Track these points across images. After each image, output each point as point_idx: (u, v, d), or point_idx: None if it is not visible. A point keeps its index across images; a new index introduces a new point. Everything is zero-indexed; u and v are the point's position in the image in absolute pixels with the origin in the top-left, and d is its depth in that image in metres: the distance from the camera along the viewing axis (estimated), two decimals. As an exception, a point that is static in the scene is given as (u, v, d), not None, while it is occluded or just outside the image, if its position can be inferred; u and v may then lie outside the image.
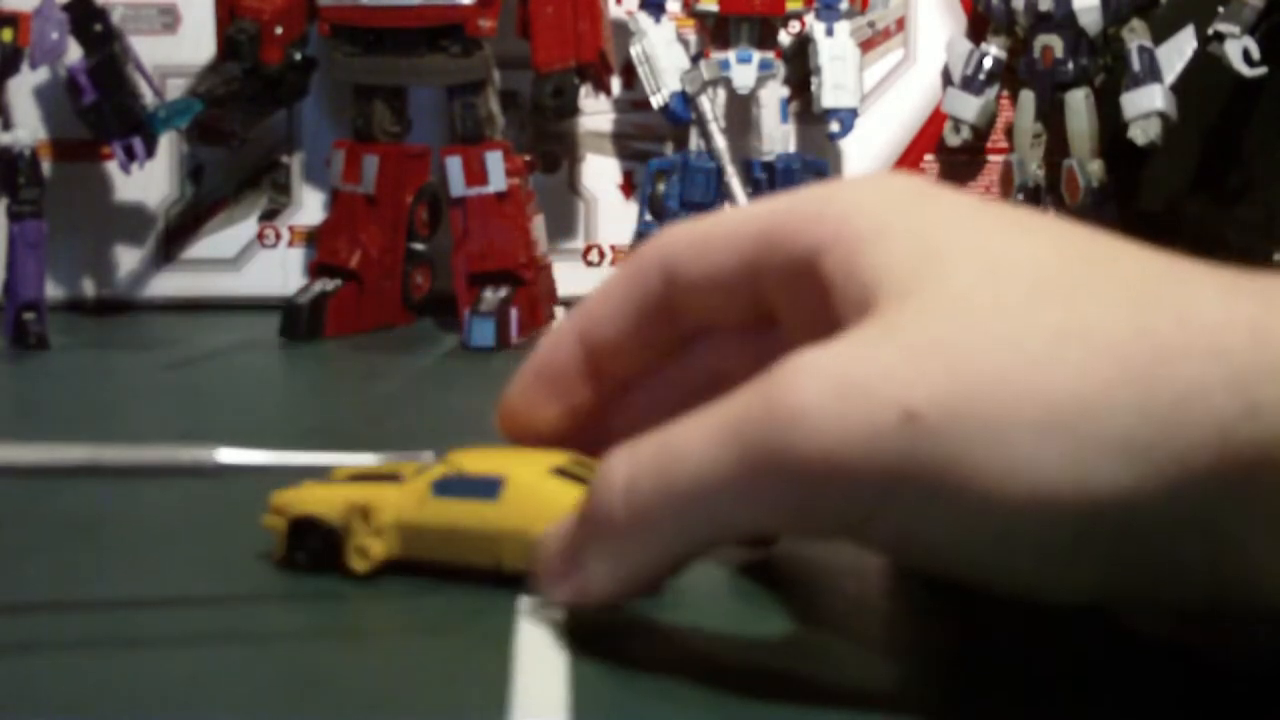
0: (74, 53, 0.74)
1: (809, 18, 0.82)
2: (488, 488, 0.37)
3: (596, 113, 0.86)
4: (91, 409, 0.61)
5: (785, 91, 0.82)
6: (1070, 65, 0.83)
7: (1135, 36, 0.82)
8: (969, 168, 0.90)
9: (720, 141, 0.79)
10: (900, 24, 0.89)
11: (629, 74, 0.83)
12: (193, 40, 0.83)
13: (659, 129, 0.86)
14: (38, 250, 0.73)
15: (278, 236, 0.86)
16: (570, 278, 0.84)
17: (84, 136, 0.77)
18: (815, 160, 0.82)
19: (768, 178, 0.80)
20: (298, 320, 0.75)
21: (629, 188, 0.87)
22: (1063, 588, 0.30)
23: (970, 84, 0.87)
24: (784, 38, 0.83)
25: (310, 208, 0.86)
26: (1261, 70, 0.78)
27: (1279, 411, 0.27)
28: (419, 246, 0.80)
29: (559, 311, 0.81)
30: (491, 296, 0.74)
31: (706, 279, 0.35)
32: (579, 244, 0.87)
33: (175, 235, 0.85)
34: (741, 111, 0.82)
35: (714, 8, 0.80)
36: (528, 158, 0.82)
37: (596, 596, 0.33)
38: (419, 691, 0.31)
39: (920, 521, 0.29)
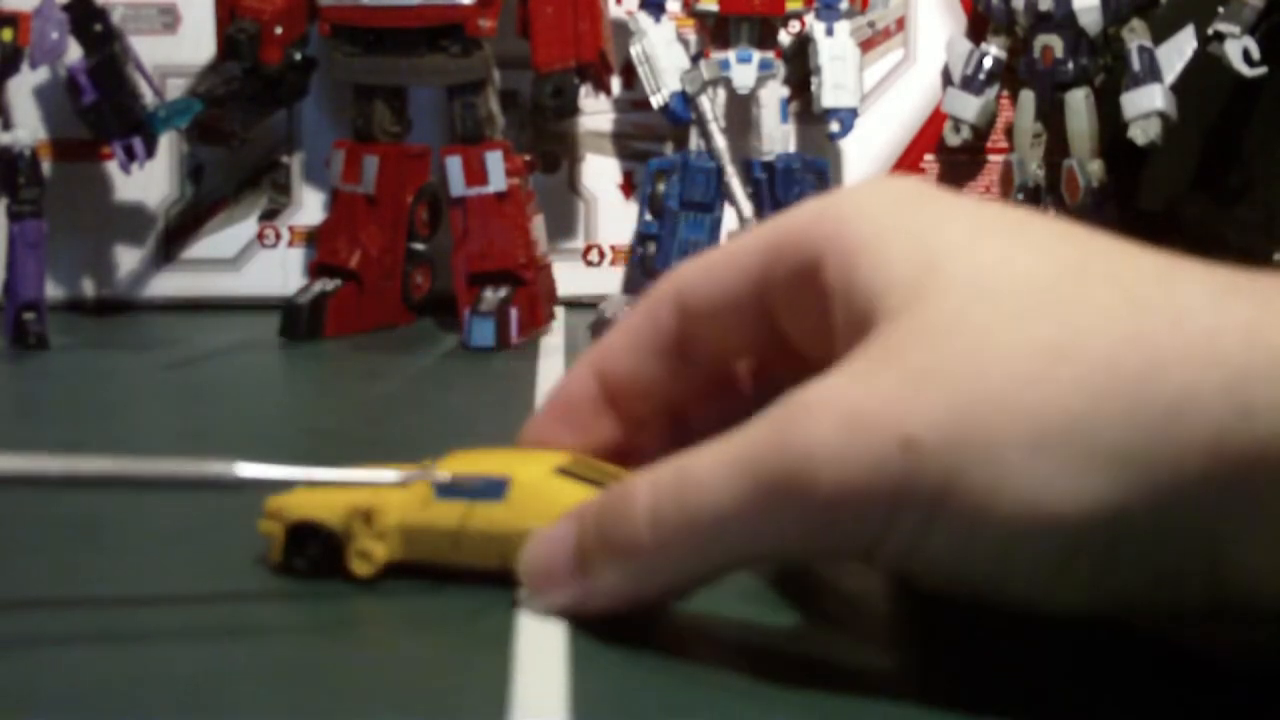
0: (74, 53, 0.74)
1: (809, 18, 0.82)
2: (494, 488, 0.37)
3: (596, 113, 0.86)
4: (91, 409, 0.61)
5: (785, 91, 0.82)
6: (1070, 65, 0.83)
7: (1135, 36, 0.82)
8: (969, 168, 0.90)
9: (720, 141, 0.79)
10: (900, 24, 0.89)
11: (629, 74, 0.83)
12: (193, 40, 0.83)
13: (659, 129, 0.86)
14: (38, 250, 0.73)
15: (278, 236, 0.86)
16: (570, 278, 0.84)
17: (84, 136, 0.77)
18: (815, 160, 0.82)
19: (768, 178, 0.80)
20: (298, 320, 0.75)
21: (629, 188, 0.87)
22: (1061, 598, 0.30)
23: (970, 84, 0.87)
24: (784, 38, 0.83)
25: (310, 208, 0.85)
26: (1261, 70, 0.78)
27: (1273, 412, 0.27)
28: (419, 246, 0.80)
29: (559, 311, 0.81)
30: (491, 296, 0.74)
31: (716, 303, 0.36)
32: (579, 244, 0.87)
33: (175, 235, 0.85)
34: (741, 111, 0.82)
35: (714, 8, 0.79)
36: (528, 158, 0.82)
37: (599, 608, 0.34)
38: (419, 691, 0.31)
39: (924, 542, 0.30)
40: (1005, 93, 0.88)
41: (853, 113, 0.82)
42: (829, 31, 0.82)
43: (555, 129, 0.86)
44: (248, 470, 0.35)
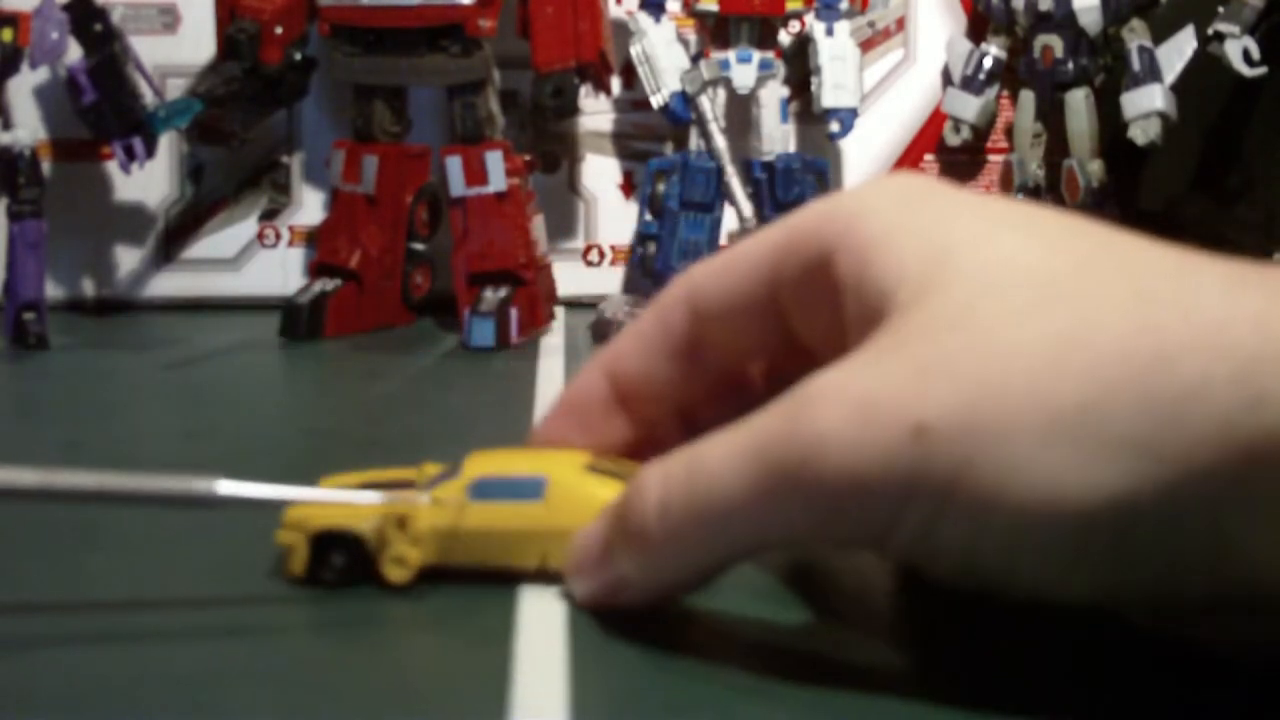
0: (74, 53, 0.74)
1: (809, 18, 0.82)
2: (531, 488, 0.36)
3: (596, 113, 0.86)
4: (91, 409, 0.61)
5: (785, 91, 0.82)
6: (1070, 65, 0.83)
7: (1135, 36, 0.82)
8: (969, 168, 0.90)
9: (720, 141, 0.79)
10: (900, 24, 0.89)
11: (629, 74, 0.83)
12: (193, 40, 0.83)
13: (659, 129, 0.86)
14: (38, 250, 0.73)
15: (278, 236, 0.86)
16: (570, 278, 0.84)
17: (84, 136, 0.77)
18: (815, 160, 0.82)
19: (768, 178, 0.80)
20: (298, 320, 0.75)
21: (629, 188, 0.87)
22: (1070, 586, 0.30)
23: (970, 84, 0.87)
24: (784, 38, 0.83)
25: (310, 208, 0.85)
26: (1261, 70, 0.78)
27: None
28: (419, 246, 0.80)
29: (559, 311, 0.81)
30: (491, 296, 0.74)
31: (728, 304, 0.36)
32: (579, 244, 0.87)
33: (175, 235, 0.85)
34: (741, 111, 0.82)
35: (714, 8, 0.79)
36: (528, 158, 0.82)
37: (627, 601, 0.34)
38: (419, 691, 0.31)
39: (935, 530, 0.30)
40: (1005, 93, 0.88)
41: (853, 113, 0.82)
42: (829, 31, 0.81)
43: (555, 129, 0.86)
44: (228, 489, 0.35)
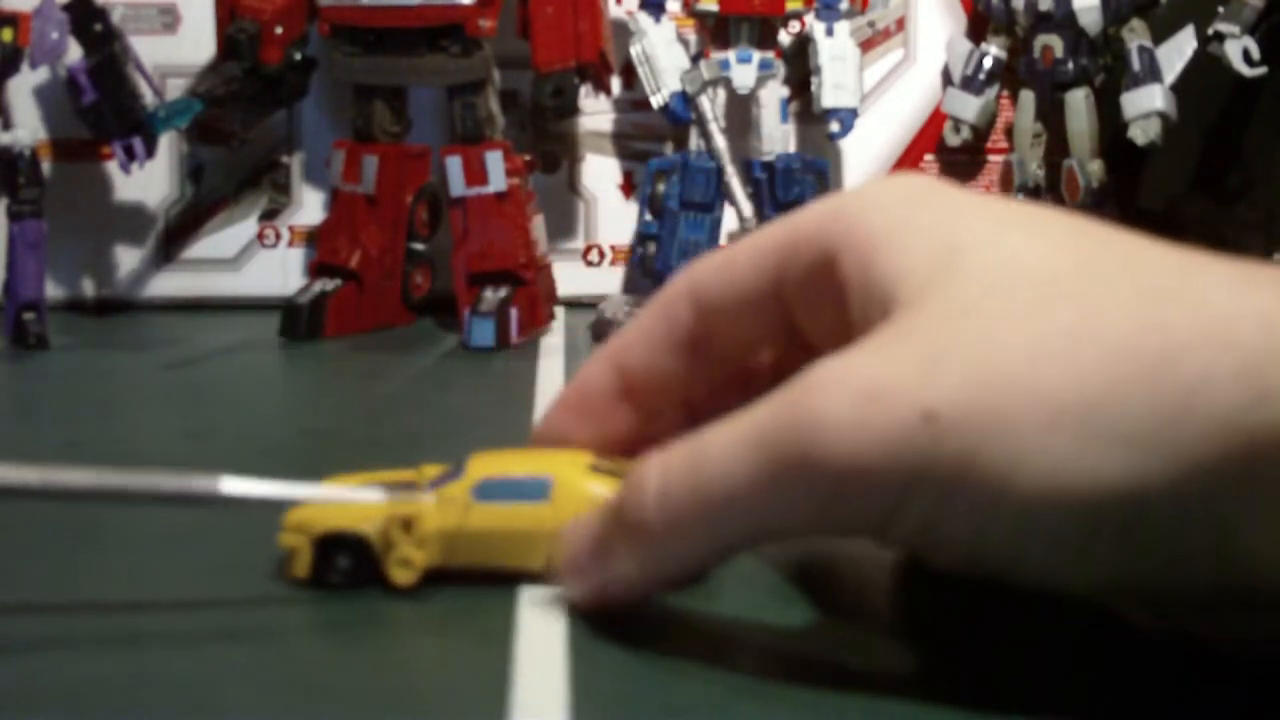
0: (74, 53, 0.74)
1: (809, 18, 0.82)
2: (536, 488, 0.36)
3: (596, 113, 0.86)
4: (91, 409, 0.61)
5: (785, 91, 0.82)
6: (1070, 65, 0.83)
7: (1135, 36, 0.82)
8: (969, 168, 0.90)
9: (720, 141, 0.79)
10: (900, 24, 0.89)
11: (629, 74, 0.83)
12: (193, 40, 0.83)
13: (659, 129, 0.86)
14: (38, 250, 0.73)
15: (278, 236, 0.86)
16: (570, 278, 0.84)
17: (84, 136, 0.77)
18: (815, 160, 0.82)
19: (768, 178, 0.80)
20: (298, 320, 0.75)
21: (629, 188, 0.87)
22: (1075, 577, 0.31)
23: (970, 84, 0.87)
24: (784, 38, 0.83)
25: (310, 208, 0.85)
26: (1261, 70, 0.78)
27: None
28: (419, 246, 0.80)
29: (559, 311, 0.81)
30: (491, 296, 0.74)
31: (733, 299, 0.37)
32: (579, 244, 0.87)
33: (175, 235, 0.85)
34: (741, 111, 0.82)
35: (714, 8, 0.79)
36: (528, 158, 0.82)
37: (621, 596, 0.34)
38: (419, 691, 0.31)
39: (940, 518, 0.30)
40: (1005, 93, 0.88)
41: (853, 113, 0.82)
42: (829, 31, 0.81)
43: (555, 129, 0.86)
44: (232, 487, 0.35)
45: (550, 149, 0.87)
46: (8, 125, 0.74)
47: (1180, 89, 0.81)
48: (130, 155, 0.74)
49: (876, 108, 0.89)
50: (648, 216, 0.81)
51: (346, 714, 0.30)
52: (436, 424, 0.58)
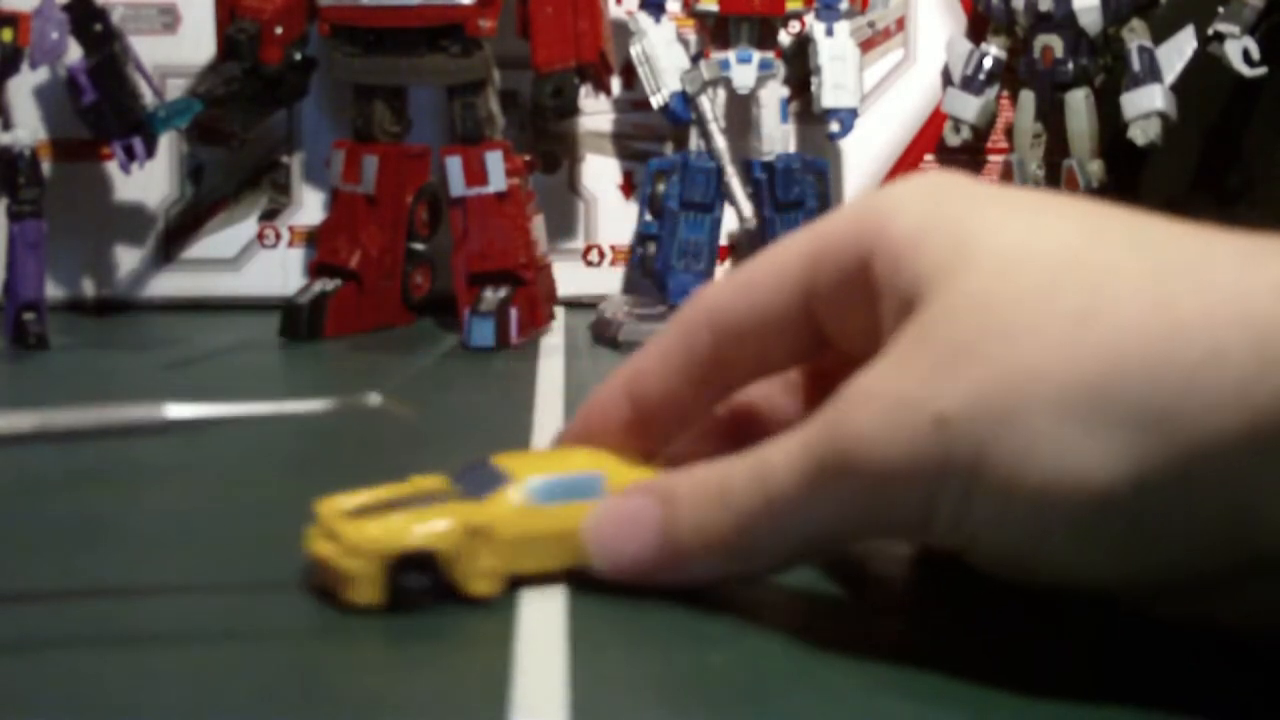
0: (74, 53, 0.74)
1: (809, 18, 0.82)
2: (591, 486, 0.37)
3: (596, 113, 0.86)
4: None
5: (785, 91, 0.82)
6: (1070, 65, 0.83)
7: (1135, 36, 0.82)
8: (969, 168, 0.90)
9: (720, 141, 0.79)
10: (900, 24, 0.89)
11: (629, 74, 0.83)
12: (193, 40, 0.83)
13: (659, 129, 0.86)
14: (38, 250, 0.73)
15: (278, 236, 0.86)
16: (570, 278, 0.84)
17: (84, 136, 0.77)
18: (815, 160, 0.82)
19: (768, 178, 0.80)
20: (298, 320, 0.75)
21: (629, 188, 0.87)
22: (1095, 568, 0.31)
23: (970, 84, 0.87)
24: (784, 38, 0.83)
25: (310, 208, 0.85)
26: (1261, 70, 0.78)
27: None
28: (419, 246, 0.80)
29: (559, 311, 0.81)
30: (491, 296, 0.74)
31: (756, 321, 0.37)
32: (579, 244, 0.87)
33: (175, 235, 0.85)
34: (741, 111, 0.82)
35: (714, 8, 0.79)
36: (528, 158, 0.82)
37: (684, 583, 0.36)
38: (419, 691, 0.31)
39: (966, 515, 0.31)
40: (1005, 93, 0.88)
41: (853, 113, 0.82)
42: (829, 31, 0.81)
43: (555, 129, 0.86)
44: (177, 411, 0.34)
45: (550, 149, 0.87)
46: (8, 125, 0.74)
47: (1180, 89, 0.81)
48: (130, 155, 0.74)
49: (876, 108, 0.89)
50: (648, 216, 0.81)
51: (346, 714, 0.30)
52: (437, 424, 0.58)
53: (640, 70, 0.80)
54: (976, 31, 0.88)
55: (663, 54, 0.79)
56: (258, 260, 0.86)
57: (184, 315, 0.82)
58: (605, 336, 0.75)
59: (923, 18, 0.89)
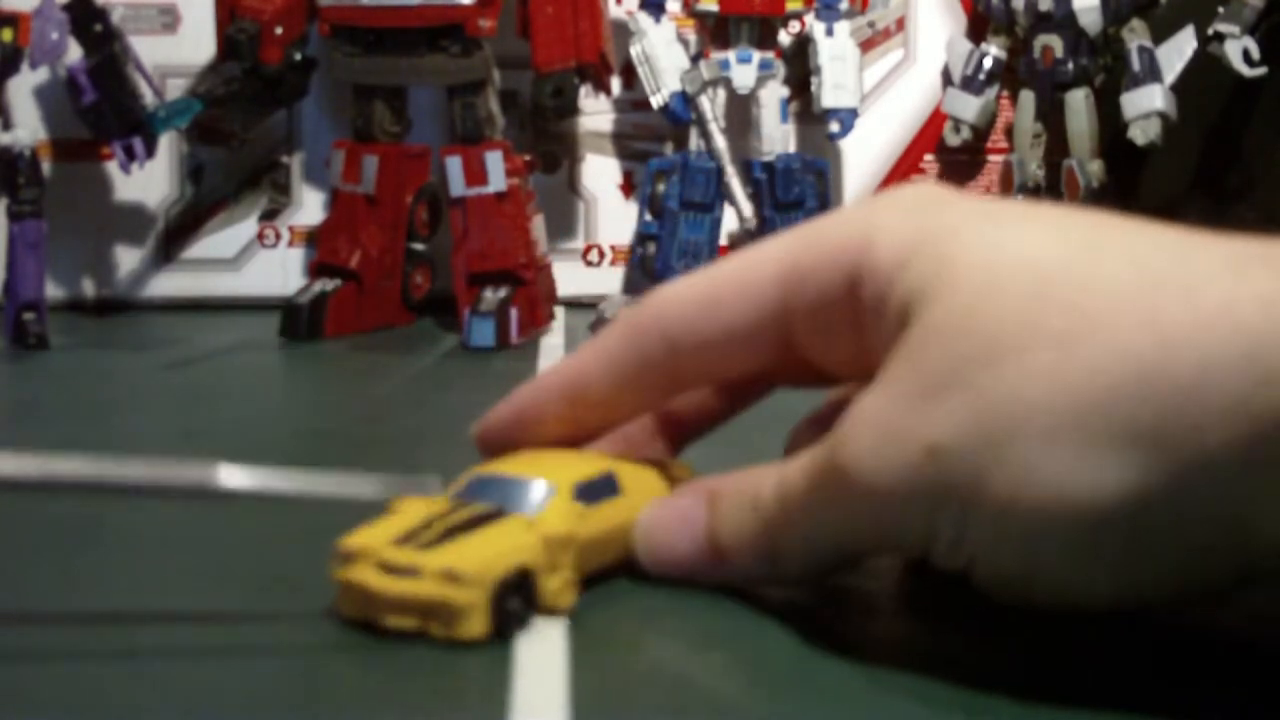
0: (74, 53, 0.74)
1: (809, 18, 0.82)
2: (610, 485, 0.37)
3: (596, 113, 0.86)
4: (91, 409, 0.61)
5: (785, 91, 0.82)
6: (1070, 65, 0.83)
7: (1135, 36, 0.82)
8: (969, 168, 0.90)
9: (720, 141, 0.79)
10: (900, 24, 0.89)
11: (629, 74, 0.83)
12: (193, 40, 0.83)
13: (659, 129, 0.86)
14: (38, 250, 0.73)
15: (278, 236, 0.86)
16: (570, 278, 0.84)
17: (84, 136, 0.77)
18: (815, 160, 0.82)
19: (768, 178, 0.80)
20: (298, 320, 0.75)
21: (629, 188, 0.87)
22: (1095, 587, 0.31)
23: (970, 84, 0.87)
24: (784, 38, 0.83)
25: (310, 208, 0.85)
26: (1261, 70, 0.78)
27: None
28: (419, 246, 0.80)
29: (559, 311, 0.81)
30: (491, 296, 0.74)
31: (720, 338, 0.36)
32: (579, 244, 0.87)
33: (175, 235, 0.85)
34: (741, 111, 0.82)
35: (714, 8, 0.79)
36: (528, 158, 0.82)
37: (728, 583, 0.36)
38: (419, 691, 0.31)
39: (964, 538, 0.31)
40: (1005, 93, 0.88)
41: (853, 113, 0.82)
42: (829, 31, 0.82)
43: (555, 129, 0.86)
44: (230, 478, 0.34)
45: (550, 149, 0.87)
46: (8, 125, 0.74)
47: (1180, 89, 0.81)
48: (130, 155, 0.74)
49: (876, 108, 0.89)
50: (648, 216, 0.81)
51: (346, 714, 0.30)
52: (436, 424, 0.58)
53: (640, 70, 0.80)
54: (976, 31, 0.88)
55: (663, 54, 0.80)
56: (258, 260, 0.86)
57: (184, 315, 0.82)
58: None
59: (923, 18, 0.89)
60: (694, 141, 0.80)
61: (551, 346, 0.74)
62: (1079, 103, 0.83)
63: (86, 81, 0.73)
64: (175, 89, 0.82)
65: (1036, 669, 0.32)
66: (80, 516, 0.42)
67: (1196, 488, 0.29)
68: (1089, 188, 0.83)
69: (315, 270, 0.79)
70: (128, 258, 0.84)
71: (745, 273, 0.36)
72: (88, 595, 0.37)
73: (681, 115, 0.80)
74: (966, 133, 0.88)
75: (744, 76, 0.80)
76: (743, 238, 0.80)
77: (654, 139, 0.87)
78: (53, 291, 0.79)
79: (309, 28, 0.78)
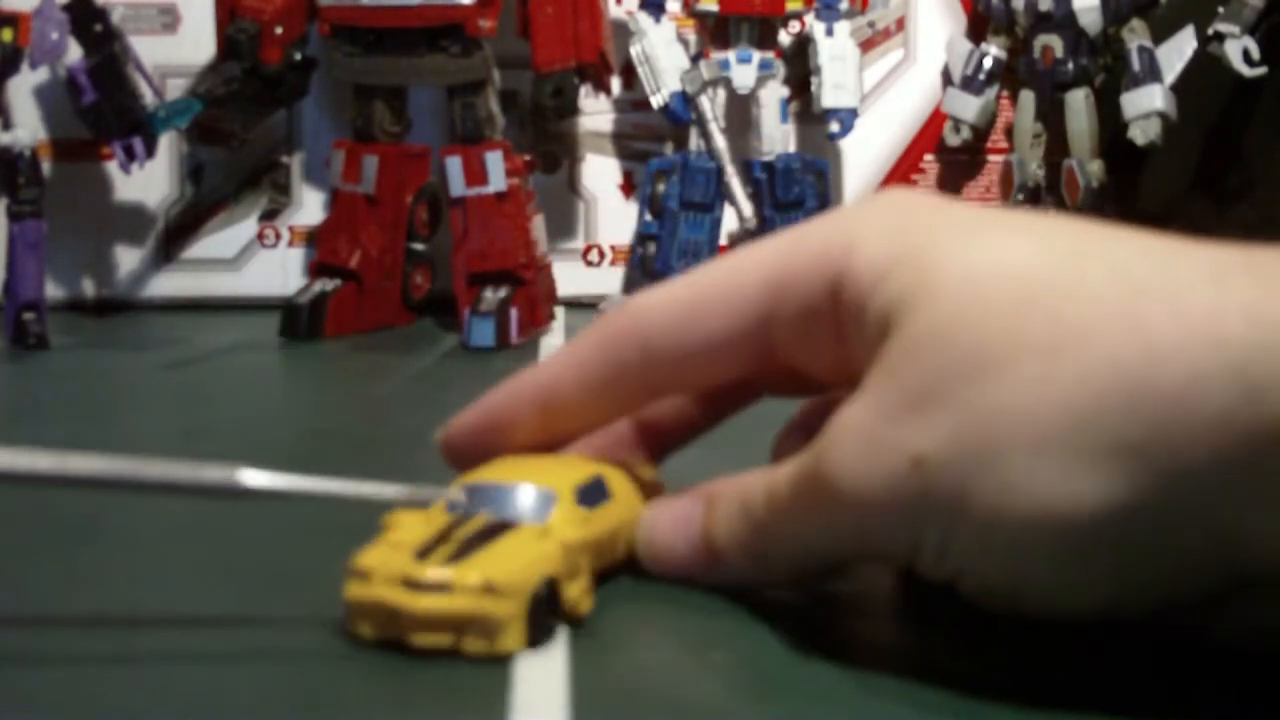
0: (74, 53, 0.74)
1: (809, 18, 0.82)
2: (602, 489, 0.37)
3: (596, 113, 0.86)
4: (91, 409, 0.61)
5: (785, 91, 0.82)
6: (1070, 65, 0.83)
7: (1135, 36, 0.82)
8: (969, 168, 0.90)
9: (720, 141, 0.79)
10: (900, 24, 0.89)
11: (629, 74, 0.83)
12: (193, 40, 0.83)
13: (659, 129, 0.86)
14: (38, 250, 0.73)
15: (278, 236, 0.86)
16: (570, 278, 0.84)
17: (84, 136, 0.77)
18: (815, 160, 0.82)
19: (768, 178, 0.80)
20: (298, 320, 0.75)
21: (629, 188, 0.87)
22: (1081, 598, 0.31)
23: (970, 84, 0.87)
24: (784, 38, 0.83)
25: (310, 208, 0.85)
26: (1261, 70, 0.78)
27: None
28: (419, 246, 0.80)
29: (559, 311, 0.81)
30: (491, 296, 0.74)
31: (703, 346, 0.36)
32: (579, 244, 0.87)
33: (175, 235, 0.85)
34: (741, 111, 0.82)
35: (714, 8, 0.80)
36: (528, 158, 0.82)
37: (722, 583, 0.36)
38: (419, 692, 0.31)
39: (950, 549, 0.31)
40: (1005, 93, 0.88)
41: (853, 113, 0.82)
42: (829, 31, 0.82)
43: (555, 129, 0.86)
44: (252, 479, 0.34)
45: (550, 149, 0.87)
46: (8, 125, 0.74)
47: (1180, 89, 0.81)
48: (130, 155, 0.74)
49: (876, 108, 0.89)
50: (648, 216, 0.81)
51: (346, 715, 0.30)
52: (436, 424, 0.58)
53: (640, 70, 0.80)
54: (976, 31, 0.88)
55: (663, 54, 0.80)
56: (258, 260, 0.86)
57: (184, 315, 0.82)
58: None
59: (923, 18, 0.89)
60: (694, 141, 0.80)
61: (551, 346, 0.74)
62: (1079, 103, 0.83)
63: (86, 81, 0.73)
64: (175, 89, 0.82)
65: (1028, 673, 0.32)
66: (80, 516, 0.42)
67: (1182, 500, 0.28)
68: (1089, 188, 0.83)
69: (315, 270, 0.79)
70: (128, 258, 0.84)
71: (726, 281, 0.36)
72: (88, 595, 0.37)
73: (681, 115, 0.80)
74: (966, 133, 0.88)
75: (744, 76, 0.80)
76: (743, 238, 0.80)
77: (654, 139, 0.87)
78: (53, 291, 0.79)
79: (309, 28, 0.78)
